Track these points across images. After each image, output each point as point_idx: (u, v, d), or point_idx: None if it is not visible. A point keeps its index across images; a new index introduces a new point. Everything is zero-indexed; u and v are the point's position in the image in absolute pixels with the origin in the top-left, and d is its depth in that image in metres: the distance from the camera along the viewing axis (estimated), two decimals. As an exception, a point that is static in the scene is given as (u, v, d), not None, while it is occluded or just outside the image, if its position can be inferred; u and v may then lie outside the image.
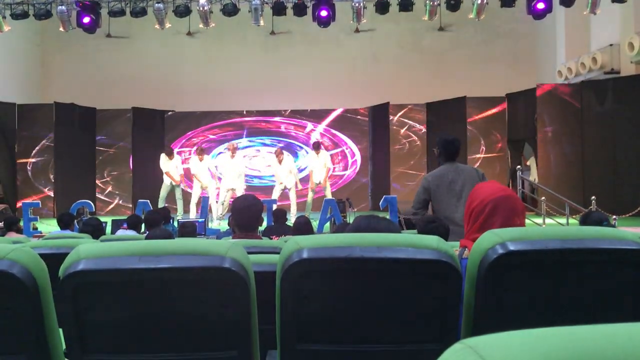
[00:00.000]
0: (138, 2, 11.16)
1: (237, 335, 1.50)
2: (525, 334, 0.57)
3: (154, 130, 13.52)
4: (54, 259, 1.80)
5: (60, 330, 1.55)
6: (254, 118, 13.80)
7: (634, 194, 9.86)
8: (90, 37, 12.37)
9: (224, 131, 13.81)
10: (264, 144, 13.46)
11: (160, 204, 10.43)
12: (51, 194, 12.15)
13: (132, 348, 1.51)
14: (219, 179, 10.80)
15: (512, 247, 1.47)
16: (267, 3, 11.09)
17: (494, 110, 12.18)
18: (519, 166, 10.51)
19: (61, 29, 11.06)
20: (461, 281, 1.55)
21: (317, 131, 13.69)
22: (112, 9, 11.14)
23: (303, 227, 5.12)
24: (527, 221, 4.13)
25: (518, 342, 0.56)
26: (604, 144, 10.55)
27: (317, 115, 13.73)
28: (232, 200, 9.52)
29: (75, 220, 6.85)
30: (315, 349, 1.58)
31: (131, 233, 5.73)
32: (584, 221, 3.78)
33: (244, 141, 13.74)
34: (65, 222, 6.14)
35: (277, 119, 13.81)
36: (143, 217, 6.11)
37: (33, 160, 12.15)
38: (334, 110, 13.71)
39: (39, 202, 9.88)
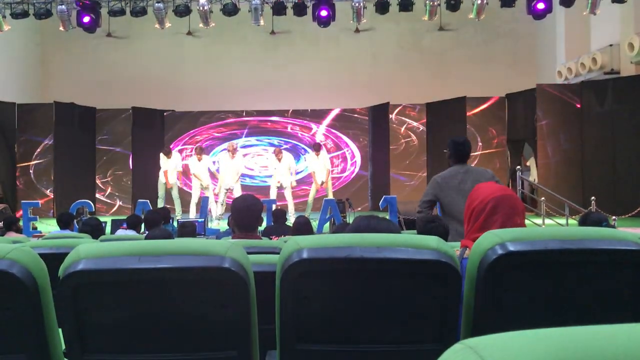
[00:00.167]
0: (138, 1, 11.16)
1: (237, 336, 1.50)
2: (525, 335, 0.57)
3: (154, 130, 13.52)
4: (53, 259, 1.80)
5: (60, 330, 1.55)
6: (259, 118, 13.80)
7: (633, 195, 9.86)
8: (90, 36, 12.37)
9: (225, 130, 13.81)
10: (271, 144, 13.45)
11: (160, 204, 10.43)
12: (51, 194, 12.14)
13: (132, 348, 1.51)
14: (216, 178, 10.81)
15: (511, 248, 1.47)
16: (267, 3, 11.09)
17: (485, 105, 12.17)
18: (518, 166, 10.51)
19: (61, 28, 11.06)
20: (461, 281, 1.55)
21: (319, 132, 13.69)
22: (112, 9, 11.14)
23: (303, 227, 5.12)
24: (526, 222, 4.11)
25: (518, 343, 0.56)
26: (603, 145, 10.55)
27: (317, 115, 13.73)
28: (230, 200, 9.52)
29: (75, 220, 6.85)
30: (315, 349, 1.58)
31: (131, 233, 5.73)
32: (583, 222, 3.78)
33: (251, 140, 13.74)
34: (64, 222, 6.14)
35: (276, 118, 13.79)
36: (143, 217, 6.11)
37: (35, 162, 12.14)
38: (333, 110, 13.70)
39: (39, 202, 9.87)
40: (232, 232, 3.12)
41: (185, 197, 11.26)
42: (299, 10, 11.05)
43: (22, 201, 9.36)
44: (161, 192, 10.87)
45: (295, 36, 14.08)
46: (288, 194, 10.53)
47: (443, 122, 12.57)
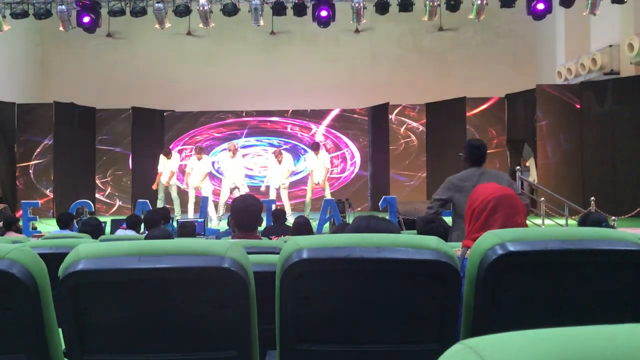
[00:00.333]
0: (138, 1, 11.16)
1: (237, 336, 1.50)
2: (525, 335, 0.57)
3: (154, 130, 13.52)
4: (53, 259, 1.80)
5: (60, 330, 1.55)
6: (259, 118, 13.80)
7: (633, 195, 9.87)
8: (90, 36, 12.37)
9: (225, 130, 13.81)
10: (271, 144, 13.44)
11: (160, 204, 10.43)
12: (51, 194, 12.14)
13: (132, 348, 1.51)
14: (218, 179, 10.81)
15: (511, 248, 1.47)
16: (267, 3, 11.09)
17: (485, 106, 12.17)
18: (518, 167, 10.50)
19: (61, 28, 11.05)
20: (460, 282, 1.55)
21: (319, 132, 13.69)
22: (112, 9, 11.14)
23: (302, 227, 5.12)
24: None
25: (518, 343, 0.56)
26: (603, 145, 10.55)
27: (317, 116, 13.73)
28: (230, 200, 9.52)
29: (75, 220, 6.85)
30: (315, 349, 1.58)
31: (130, 233, 5.73)
32: (582, 222, 3.79)
33: (251, 140, 13.75)
34: (64, 222, 6.14)
35: (276, 118, 13.80)
36: (142, 217, 6.11)
37: (35, 162, 12.14)
38: (333, 110, 13.71)
39: (38, 202, 9.86)
40: (232, 232, 3.12)
41: (184, 197, 11.26)
42: (299, 10, 11.05)
43: (22, 201, 9.36)
44: (161, 192, 10.87)
45: (295, 36, 14.08)
46: (284, 195, 10.52)
47: (443, 123, 12.58)
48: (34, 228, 8.49)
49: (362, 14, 10.88)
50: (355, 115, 13.70)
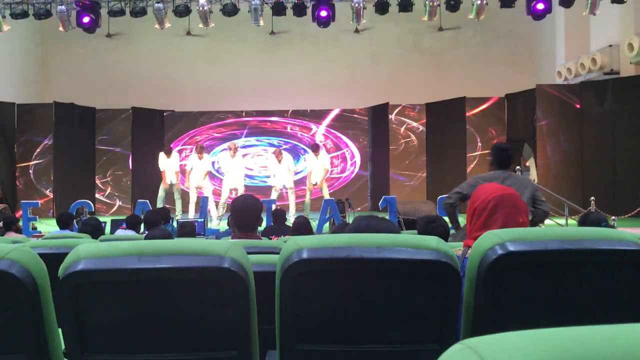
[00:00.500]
0: (138, 2, 11.16)
1: (237, 336, 1.50)
2: (525, 335, 0.57)
3: (154, 130, 13.53)
4: (53, 259, 1.79)
5: (60, 330, 1.55)
6: (259, 118, 13.80)
7: (633, 195, 9.86)
8: (90, 36, 12.37)
9: (225, 130, 13.81)
10: (271, 144, 13.44)
11: (159, 204, 10.42)
12: (51, 194, 12.14)
13: (132, 348, 1.51)
14: (218, 179, 10.81)
15: (511, 248, 1.47)
16: (266, 3, 11.09)
17: (485, 105, 12.17)
18: (518, 167, 10.50)
19: (61, 28, 11.05)
20: (461, 281, 1.55)
21: (319, 132, 13.69)
22: (111, 9, 11.13)
23: (302, 227, 5.12)
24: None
25: (518, 343, 0.56)
26: (603, 145, 10.55)
27: (317, 116, 13.73)
28: (230, 200, 9.52)
29: (75, 220, 6.85)
30: (315, 349, 1.58)
31: (130, 233, 5.73)
32: (582, 222, 3.79)
33: (251, 140, 13.75)
34: (64, 222, 6.14)
35: (276, 118, 13.80)
36: (142, 217, 6.11)
37: (35, 162, 12.14)
38: (333, 110, 13.71)
39: (38, 202, 9.86)
40: (232, 232, 3.12)
41: (184, 197, 11.26)
42: (299, 10, 11.05)
43: (22, 201, 9.36)
44: (161, 193, 10.87)
45: (295, 36, 14.08)
46: (291, 195, 10.53)
47: (443, 123, 12.58)
48: (34, 228, 8.49)
49: (362, 14, 10.87)
50: (355, 115, 13.70)
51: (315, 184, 10.61)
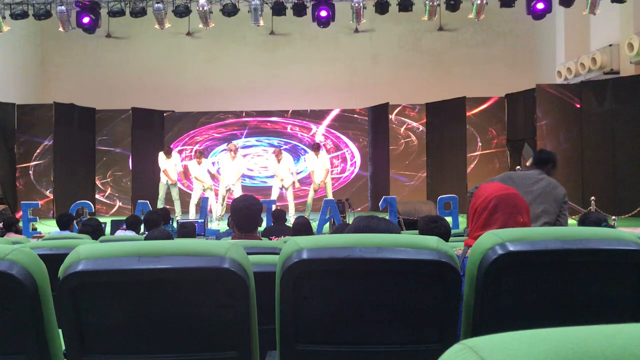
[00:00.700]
0: (138, 2, 11.16)
1: (237, 336, 1.50)
2: (525, 335, 0.57)
3: (154, 130, 13.53)
4: (53, 260, 1.79)
5: (60, 330, 1.55)
6: (259, 118, 13.81)
7: (633, 195, 9.86)
8: (89, 37, 12.37)
9: (225, 131, 13.81)
10: (271, 145, 13.44)
11: (160, 205, 10.42)
12: (51, 195, 12.15)
13: (132, 349, 1.51)
14: (216, 179, 10.80)
15: (511, 248, 1.47)
16: (266, 3, 11.09)
17: (485, 105, 12.17)
18: (518, 166, 10.51)
19: (61, 29, 11.06)
20: (461, 281, 1.55)
21: (319, 132, 13.69)
22: (111, 9, 11.14)
23: (302, 227, 5.12)
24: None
25: (518, 343, 0.56)
26: (603, 145, 10.55)
27: (316, 116, 13.73)
28: (230, 200, 9.52)
29: (75, 221, 6.85)
30: (315, 349, 1.58)
31: (130, 234, 5.73)
32: (582, 222, 3.79)
33: (251, 140, 13.75)
34: (64, 223, 6.14)
35: (276, 118, 13.80)
36: (143, 218, 6.11)
37: (35, 163, 12.14)
38: (333, 110, 13.71)
39: (38, 202, 9.86)
40: (232, 232, 3.12)
41: (185, 197, 11.25)
42: (299, 10, 11.05)
43: (22, 202, 9.36)
44: (161, 193, 10.87)
45: (294, 36, 14.09)
46: (290, 195, 10.52)
47: (443, 123, 12.58)
48: (34, 229, 8.49)
49: (362, 14, 10.88)
50: (355, 115, 13.70)
51: (319, 184, 10.58)
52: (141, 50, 14.24)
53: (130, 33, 13.98)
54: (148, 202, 9.23)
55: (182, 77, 14.17)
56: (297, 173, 12.13)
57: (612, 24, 10.99)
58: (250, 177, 13.48)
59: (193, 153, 11.56)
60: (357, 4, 10.66)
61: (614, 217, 7.87)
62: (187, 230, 5.48)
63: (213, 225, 9.94)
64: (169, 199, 11.01)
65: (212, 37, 13.68)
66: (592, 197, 8.97)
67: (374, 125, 13.51)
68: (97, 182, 13.03)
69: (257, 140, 13.85)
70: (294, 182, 10.57)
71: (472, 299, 1.55)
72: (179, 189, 11.08)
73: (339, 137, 13.73)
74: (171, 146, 12.74)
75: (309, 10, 11.10)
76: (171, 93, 13.90)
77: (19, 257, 1.44)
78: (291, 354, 1.58)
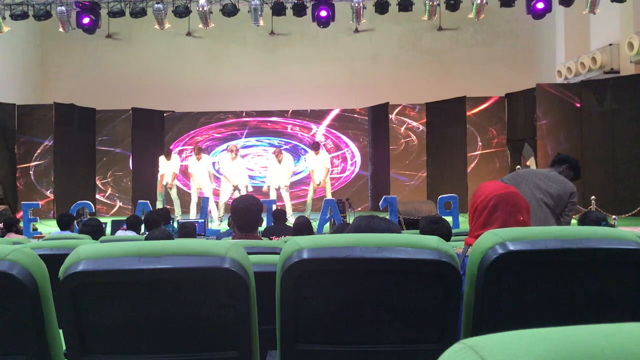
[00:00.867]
0: (138, 2, 11.16)
1: (237, 336, 1.50)
2: (525, 334, 0.57)
3: (154, 130, 13.53)
4: (53, 260, 1.80)
5: (61, 331, 1.55)
6: (259, 118, 13.81)
7: (633, 194, 9.86)
8: (89, 37, 12.37)
9: (225, 131, 13.82)
10: (271, 145, 13.44)
11: (159, 205, 10.43)
12: (52, 195, 12.15)
13: (132, 349, 1.51)
14: (218, 179, 10.79)
15: (511, 247, 1.47)
16: (266, 3, 11.09)
17: (485, 105, 12.17)
18: (518, 166, 10.51)
19: (61, 29, 11.06)
20: (461, 281, 1.55)
21: (319, 132, 13.69)
22: (111, 10, 11.14)
23: (303, 227, 5.12)
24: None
25: (518, 342, 0.56)
26: (603, 144, 10.55)
27: (317, 116, 13.73)
28: (231, 200, 9.52)
29: (75, 221, 6.85)
30: (315, 349, 1.58)
31: (130, 234, 5.73)
32: (582, 221, 3.78)
33: (251, 140, 13.75)
34: (64, 223, 6.14)
35: (276, 118, 13.80)
36: (143, 218, 6.11)
37: (35, 163, 12.14)
38: (333, 110, 13.71)
39: (39, 203, 9.86)
40: (233, 232, 3.12)
41: (184, 197, 11.25)
42: (299, 10, 11.05)
43: (23, 202, 9.36)
44: (160, 195, 10.86)
45: (294, 36, 14.09)
46: (286, 195, 10.50)
47: (443, 122, 12.57)
48: (35, 229, 8.49)
49: (362, 14, 10.87)
50: (355, 115, 13.70)
51: (319, 184, 10.57)
52: (141, 51, 14.24)
53: (130, 33, 13.98)
54: (148, 202, 9.24)
55: (182, 77, 14.17)
56: (297, 173, 12.13)
57: (612, 24, 10.99)
58: (251, 177, 13.48)
59: (192, 149, 11.54)
60: (357, 4, 10.66)
61: (614, 217, 7.87)
62: (188, 230, 5.49)
63: (213, 225, 9.93)
64: (169, 199, 11.01)
65: (212, 37, 13.68)
66: (593, 197, 8.96)
67: (374, 125, 13.51)
68: (98, 182, 13.03)
69: (257, 140, 13.85)
70: (281, 183, 10.52)
71: (473, 298, 1.55)
72: (178, 188, 11.08)
73: (339, 137, 13.72)
74: (171, 147, 12.75)
75: (309, 11, 11.10)
76: (171, 93, 13.90)
77: (20, 257, 1.44)
78: (291, 354, 1.58)
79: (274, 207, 8.51)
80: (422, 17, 11.07)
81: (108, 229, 7.65)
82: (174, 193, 10.90)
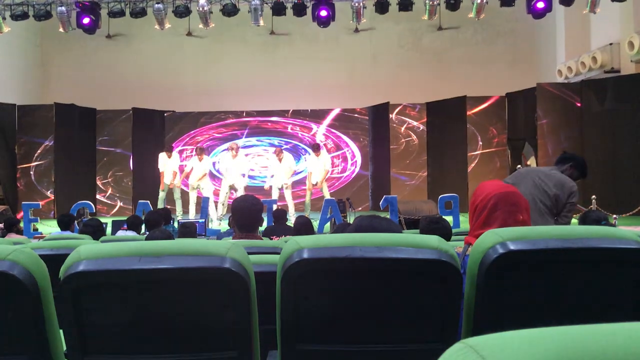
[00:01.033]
0: (138, 2, 11.16)
1: (238, 336, 1.50)
2: (525, 334, 0.57)
3: (154, 130, 13.53)
4: (54, 260, 1.80)
5: (61, 331, 1.55)
6: (259, 118, 13.81)
7: (634, 193, 9.85)
8: (90, 37, 12.37)
9: (226, 130, 13.82)
10: (272, 144, 13.44)
11: (160, 205, 10.43)
12: (52, 195, 12.15)
13: (133, 349, 1.51)
14: (219, 179, 10.80)
15: (512, 247, 1.47)
16: (266, 3, 11.09)
17: (485, 104, 12.17)
18: (519, 165, 10.51)
19: (61, 29, 11.06)
20: (461, 281, 1.55)
21: (319, 132, 13.69)
22: (111, 10, 11.14)
23: (303, 227, 5.12)
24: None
25: (518, 342, 0.56)
26: (604, 143, 10.54)
27: (317, 115, 13.73)
28: (231, 200, 9.51)
29: (76, 221, 6.85)
30: (316, 349, 1.58)
31: (131, 234, 5.73)
32: (582, 221, 3.78)
33: (251, 140, 13.76)
34: (65, 223, 6.14)
35: (276, 118, 13.80)
36: (143, 218, 6.11)
37: (35, 163, 12.14)
38: (333, 110, 13.71)
39: (39, 203, 9.87)
40: (233, 232, 3.12)
41: (184, 197, 11.25)
42: (299, 10, 11.05)
43: (23, 202, 9.37)
44: (161, 194, 10.87)
45: (295, 36, 14.09)
46: (288, 194, 10.51)
47: (443, 122, 12.57)
48: (35, 229, 8.49)
49: (362, 14, 10.87)
50: (356, 115, 13.70)
51: (315, 184, 10.58)
52: (141, 51, 14.24)
53: (131, 34, 13.98)
54: (149, 202, 9.23)
55: (182, 77, 14.18)
56: (297, 173, 12.12)
57: (612, 23, 10.98)
58: (251, 177, 13.48)
59: (194, 150, 11.54)
60: (357, 4, 10.66)
61: (614, 216, 7.87)
62: (188, 230, 5.49)
63: (214, 225, 9.93)
64: (170, 199, 11.01)
65: (212, 37, 13.68)
66: (593, 196, 8.96)
67: (374, 125, 13.51)
68: (98, 183, 13.04)
69: (257, 140, 13.85)
70: (285, 184, 10.53)
71: (473, 298, 1.55)
72: (180, 188, 11.09)
73: (340, 137, 13.72)
74: (172, 145, 12.75)
75: (309, 10, 11.09)
76: (171, 93, 13.90)
77: (20, 257, 1.44)
78: (292, 354, 1.58)
79: (274, 207, 8.50)
80: (423, 17, 11.07)
81: (108, 229, 7.65)
82: (177, 193, 10.91)
